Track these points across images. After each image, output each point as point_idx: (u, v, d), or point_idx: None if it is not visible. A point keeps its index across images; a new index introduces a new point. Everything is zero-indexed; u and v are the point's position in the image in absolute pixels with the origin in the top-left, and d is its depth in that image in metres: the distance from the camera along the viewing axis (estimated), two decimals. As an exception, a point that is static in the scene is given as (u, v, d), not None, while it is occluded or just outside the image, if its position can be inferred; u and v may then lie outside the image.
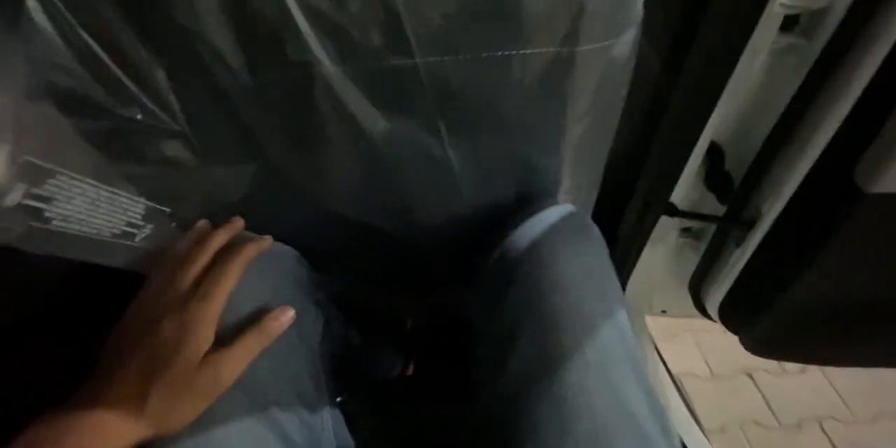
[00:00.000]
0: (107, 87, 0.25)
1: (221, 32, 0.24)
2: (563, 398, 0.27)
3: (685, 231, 0.69)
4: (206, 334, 0.28)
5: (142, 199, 0.33)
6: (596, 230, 0.37)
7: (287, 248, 0.40)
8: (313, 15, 0.24)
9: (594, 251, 0.35)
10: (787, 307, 0.60)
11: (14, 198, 0.25)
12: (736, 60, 0.44)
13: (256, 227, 0.38)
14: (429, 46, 0.26)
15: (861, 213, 0.47)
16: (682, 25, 0.41)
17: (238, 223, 0.36)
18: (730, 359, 1.04)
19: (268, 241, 0.37)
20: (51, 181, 0.26)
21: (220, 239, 0.34)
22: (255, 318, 0.31)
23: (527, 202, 0.39)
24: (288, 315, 0.32)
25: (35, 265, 0.35)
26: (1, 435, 0.24)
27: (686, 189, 0.62)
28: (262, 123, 0.29)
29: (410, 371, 0.61)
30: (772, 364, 1.04)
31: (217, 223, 0.36)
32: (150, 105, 0.26)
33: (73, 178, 0.28)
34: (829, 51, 0.44)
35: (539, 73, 0.29)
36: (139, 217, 0.33)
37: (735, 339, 0.68)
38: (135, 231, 0.33)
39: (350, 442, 0.38)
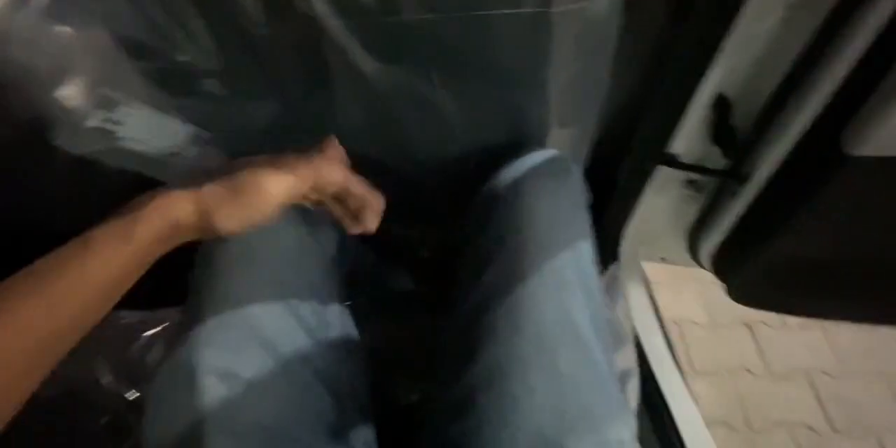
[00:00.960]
0: (161, 35, 0.31)
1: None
2: (518, 307, 0.34)
3: (690, 183, 0.72)
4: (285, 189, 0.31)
5: (188, 125, 0.40)
6: (575, 173, 0.42)
7: None
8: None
9: (567, 191, 0.40)
10: (771, 259, 0.63)
11: (93, 121, 0.32)
12: (738, 6, 0.45)
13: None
14: (418, 6, 0.31)
15: (843, 175, 0.49)
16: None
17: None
18: (732, 310, 1.09)
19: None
20: (121, 108, 0.34)
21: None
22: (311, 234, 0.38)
23: (515, 146, 0.44)
24: (335, 149, 0.36)
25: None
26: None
27: (691, 142, 0.64)
28: (278, 66, 0.35)
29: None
30: (773, 317, 1.08)
31: (249, 148, 0.43)
32: (193, 49, 0.33)
33: (136, 107, 0.35)
34: (839, 11, 0.44)
35: (518, 30, 0.33)
36: (188, 140, 0.41)
37: None
38: (183, 151, 0.41)
39: (356, 335, 0.46)
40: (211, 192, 0.30)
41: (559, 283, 0.35)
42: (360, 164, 0.47)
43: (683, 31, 0.47)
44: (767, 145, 0.57)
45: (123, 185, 0.50)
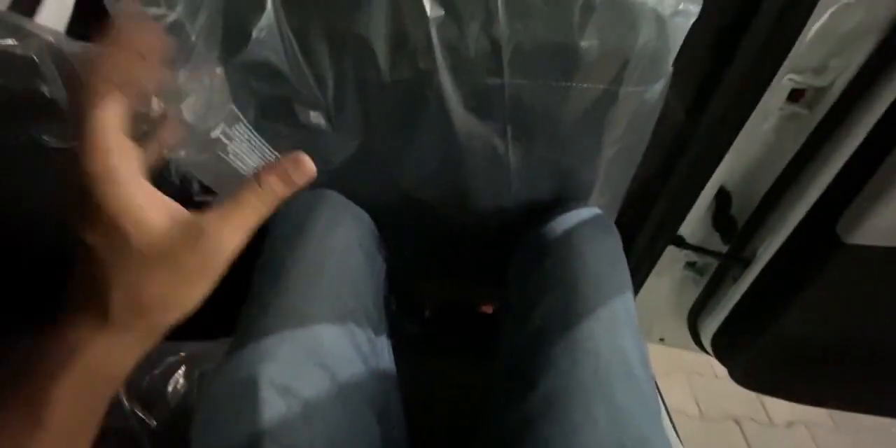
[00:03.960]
0: (291, 66, 0.36)
1: (381, 40, 0.35)
2: (576, 341, 0.36)
3: (690, 265, 0.78)
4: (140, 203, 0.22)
5: (275, 153, 0.44)
6: (615, 230, 0.46)
7: (361, 210, 0.50)
8: (444, 38, 0.35)
9: (613, 244, 0.44)
10: (772, 342, 0.67)
11: (216, 132, 0.36)
12: (745, 118, 0.54)
13: (342, 190, 0.48)
14: (515, 71, 0.37)
15: (840, 260, 0.55)
16: (704, 84, 0.52)
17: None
18: (721, 402, 1.09)
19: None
20: (237, 125, 0.37)
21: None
22: (352, 271, 0.39)
23: (560, 204, 0.49)
24: (306, 166, 0.27)
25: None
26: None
27: (695, 227, 0.71)
28: (380, 109, 0.40)
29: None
30: (760, 414, 1.08)
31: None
32: (313, 82, 0.38)
33: (246, 127, 0.39)
34: (826, 123, 0.54)
35: (589, 103, 0.40)
36: (271, 167, 0.44)
37: (725, 384, 0.74)
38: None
39: (394, 369, 0.46)
40: (128, 318, 0.22)
41: (612, 322, 0.37)
42: (409, 207, 0.51)
43: (701, 128, 0.56)
44: (767, 232, 0.64)
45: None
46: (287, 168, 0.27)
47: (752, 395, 1.03)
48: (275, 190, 0.26)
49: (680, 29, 0.37)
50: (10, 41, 0.41)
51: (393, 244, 0.57)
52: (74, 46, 0.47)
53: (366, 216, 0.50)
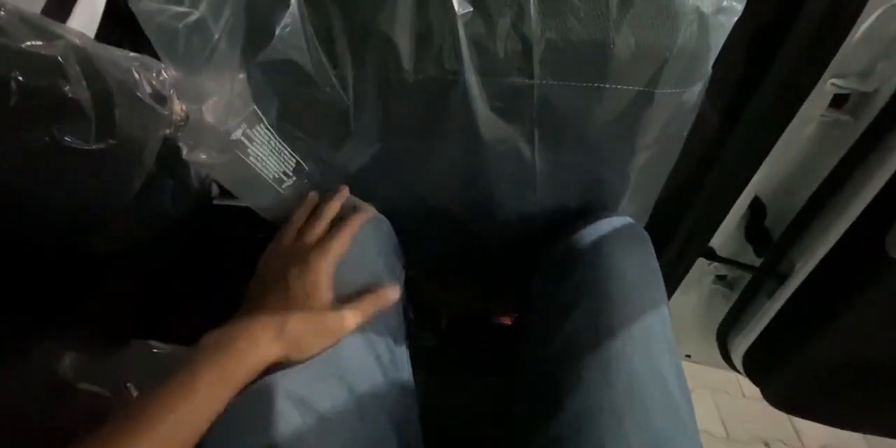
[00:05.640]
0: (314, 65, 0.35)
1: (405, 38, 0.34)
2: (608, 360, 0.33)
3: (720, 279, 0.74)
4: (326, 285, 0.37)
5: (296, 156, 0.43)
6: (649, 241, 0.44)
7: (382, 216, 0.48)
8: (472, 35, 0.33)
9: (648, 255, 0.42)
10: (810, 362, 0.63)
11: (237, 133, 0.35)
12: (784, 125, 0.52)
13: (362, 195, 0.47)
14: (545, 71, 0.35)
15: (888, 278, 0.52)
16: (742, 88, 0.49)
17: (344, 192, 0.45)
18: (748, 424, 1.04)
19: (372, 210, 0.45)
20: (258, 126, 0.36)
21: (333, 209, 0.42)
22: (370, 278, 0.40)
23: (588, 212, 0.47)
24: (396, 293, 0.39)
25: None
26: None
27: (726, 238, 0.68)
28: (402, 110, 0.39)
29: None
30: (791, 436, 1.03)
31: (330, 186, 0.45)
32: (335, 81, 0.36)
33: (267, 128, 0.38)
34: (872, 130, 0.51)
35: (622, 105, 0.38)
36: (290, 170, 0.43)
37: (754, 405, 0.70)
38: (284, 179, 0.43)
39: (412, 381, 0.44)
40: (295, 328, 0.33)
41: (647, 339, 0.35)
42: (435, 213, 0.50)
43: (736, 134, 0.53)
44: (805, 246, 0.60)
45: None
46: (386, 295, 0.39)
47: (783, 416, 0.98)
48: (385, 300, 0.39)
49: (722, 27, 0.35)
50: (36, 42, 0.41)
51: (409, 251, 0.55)
52: (101, 50, 0.46)
53: (385, 221, 0.48)
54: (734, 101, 0.51)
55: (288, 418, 0.30)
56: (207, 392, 0.29)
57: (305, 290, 0.36)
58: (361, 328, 0.37)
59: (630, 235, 0.42)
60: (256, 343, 0.32)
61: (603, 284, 0.38)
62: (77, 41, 0.44)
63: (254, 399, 0.31)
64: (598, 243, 0.41)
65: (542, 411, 0.33)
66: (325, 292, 0.36)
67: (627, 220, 0.44)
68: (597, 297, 0.37)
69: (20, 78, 0.39)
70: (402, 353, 0.42)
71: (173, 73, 0.33)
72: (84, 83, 0.44)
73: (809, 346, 0.61)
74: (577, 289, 0.38)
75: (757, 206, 0.65)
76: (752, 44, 0.47)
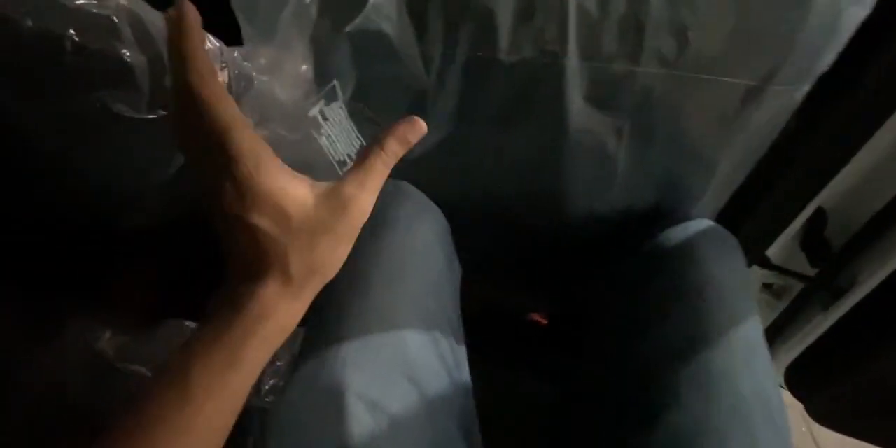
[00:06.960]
0: (403, 39, 0.32)
1: (507, 12, 0.31)
2: (708, 373, 0.31)
3: (766, 287, 0.72)
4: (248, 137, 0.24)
5: (361, 138, 0.40)
6: (740, 247, 0.41)
7: (439, 210, 0.46)
8: (583, 12, 0.30)
9: (739, 261, 0.40)
10: (864, 383, 0.60)
11: (314, 110, 0.32)
12: (872, 133, 0.48)
13: (418, 182, 0.44)
14: (654, 59, 0.32)
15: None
16: (829, 89, 0.46)
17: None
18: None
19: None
20: (334, 104, 0.33)
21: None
22: (432, 275, 0.36)
23: (661, 214, 0.44)
24: (422, 127, 0.28)
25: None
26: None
27: (779, 246, 0.65)
28: (486, 93, 0.36)
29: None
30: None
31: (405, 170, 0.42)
32: (419, 57, 0.33)
33: (342, 108, 0.35)
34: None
35: (727, 100, 0.35)
36: (354, 153, 0.40)
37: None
38: (347, 161, 0.40)
39: (470, 383, 0.42)
40: (304, 278, 0.25)
41: (749, 351, 0.32)
42: (494, 206, 0.47)
43: (817, 139, 0.50)
44: (870, 260, 0.57)
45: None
46: (405, 130, 0.28)
47: (800, 423, 0.96)
48: (396, 152, 0.28)
49: (853, 20, 0.32)
50: (91, 0, 0.37)
51: (462, 245, 0.52)
52: (150, 13, 0.43)
53: (441, 214, 0.45)
54: (822, 104, 0.48)
55: (362, 422, 0.28)
56: (205, 387, 0.23)
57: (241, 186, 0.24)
58: (427, 326, 0.34)
59: (721, 241, 0.40)
60: (274, 315, 0.25)
61: (694, 291, 0.35)
62: (127, 3, 0.41)
63: (322, 398, 0.29)
64: (688, 247, 0.38)
65: (630, 426, 0.31)
66: (272, 162, 0.25)
67: (712, 223, 0.42)
68: (688, 306, 0.34)
69: (76, 38, 0.36)
70: (463, 354, 0.39)
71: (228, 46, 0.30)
72: (137, 47, 0.40)
73: (865, 365, 0.58)
74: (665, 295, 0.36)
75: (818, 215, 0.62)
76: (852, 42, 0.44)
